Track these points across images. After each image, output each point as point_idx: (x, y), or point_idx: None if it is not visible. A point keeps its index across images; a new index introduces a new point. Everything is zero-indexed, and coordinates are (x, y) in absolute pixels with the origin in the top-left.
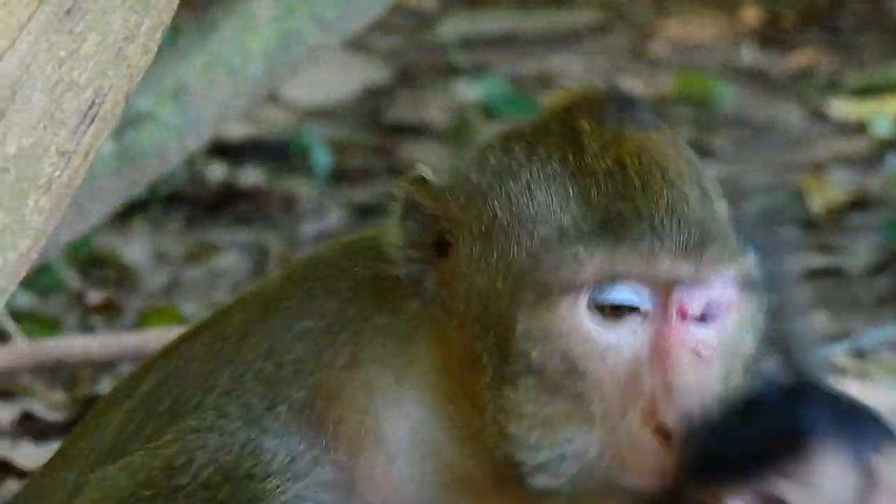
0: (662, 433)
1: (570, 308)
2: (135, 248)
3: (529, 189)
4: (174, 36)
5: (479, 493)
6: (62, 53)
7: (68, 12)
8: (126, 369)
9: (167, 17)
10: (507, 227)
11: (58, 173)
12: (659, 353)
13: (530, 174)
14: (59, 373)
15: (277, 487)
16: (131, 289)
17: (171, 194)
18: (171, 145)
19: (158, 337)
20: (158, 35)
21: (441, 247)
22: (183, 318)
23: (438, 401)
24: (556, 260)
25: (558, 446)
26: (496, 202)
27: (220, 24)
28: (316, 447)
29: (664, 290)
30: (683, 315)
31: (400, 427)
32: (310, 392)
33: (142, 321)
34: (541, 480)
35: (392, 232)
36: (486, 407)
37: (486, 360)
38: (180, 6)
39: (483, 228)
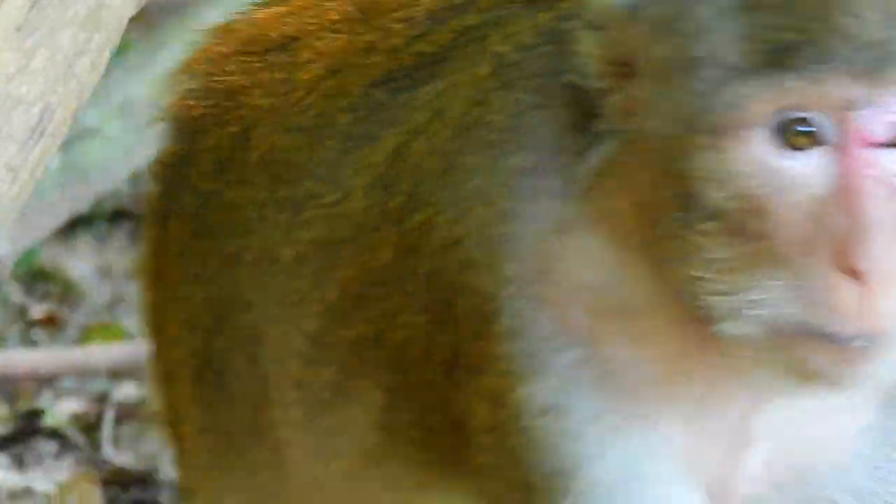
0: (855, 273)
1: (748, 145)
2: (79, 263)
3: (701, 24)
4: (123, 52)
5: (670, 350)
6: (11, 69)
7: (18, 29)
8: (69, 384)
9: (116, 35)
10: (680, 64)
11: (5, 188)
12: (845, 185)
13: (702, 8)
14: (1, 387)
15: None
16: (75, 303)
17: (115, 209)
18: (116, 161)
19: (101, 352)
20: (107, 52)
21: (625, 70)
22: (126, 333)
23: (624, 249)
24: (731, 96)
25: (747, 290)
26: (670, 37)
27: (168, 42)
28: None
29: (843, 115)
30: (867, 142)
31: (589, 277)
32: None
33: (85, 336)
34: (731, 328)
35: (583, 40)
36: (672, 254)
37: (669, 203)
38: (129, 23)
39: (659, 63)
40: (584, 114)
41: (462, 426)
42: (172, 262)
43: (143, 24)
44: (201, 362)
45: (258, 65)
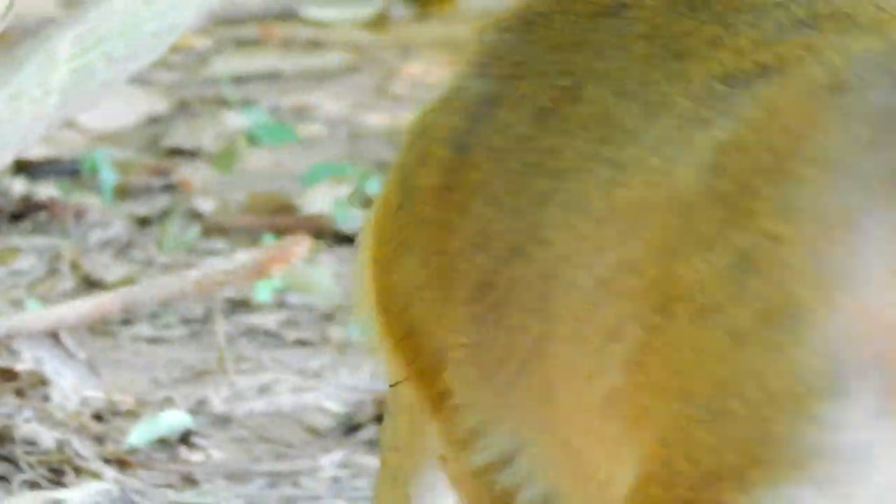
0: None
1: None
2: None
3: None
4: None
5: None
6: None
7: None
8: None
9: None
10: None
11: None
12: None
13: None
14: None
15: None
16: None
17: None
18: None
19: None
20: None
21: None
22: None
23: None
24: None
25: None
26: None
27: (25, 62)
28: None
29: None
30: None
31: None
32: None
33: None
34: None
35: None
36: None
37: None
38: None
39: None
40: None
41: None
42: (468, 185)
43: (1, 47)
44: (484, 283)
45: (587, 25)
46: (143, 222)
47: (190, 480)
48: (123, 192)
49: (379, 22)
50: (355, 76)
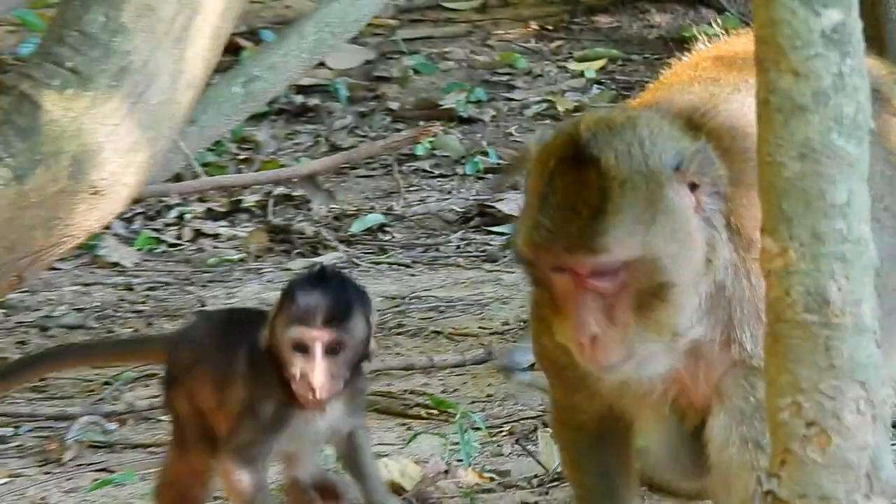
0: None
1: None
2: None
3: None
4: None
5: None
6: None
7: None
8: None
9: None
10: None
11: None
12: (572, 291)
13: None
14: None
15: None
16: None
17: None
18: None
19: None
20: None
21: None
22: None
23: None
24: None
25: None
26: None
27: (288, 36)
28: None
29: (562, 263)
30: (574, 272)
31: None
32: None
33: None
34: None
35: None
36: None
37: None
38: None
39: None
40: None
41: None
42: None
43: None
44: None
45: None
46: (362, 115)
47: (383, 250)
48: (351, 101)
49: (481, 8)
50: (469, 37)
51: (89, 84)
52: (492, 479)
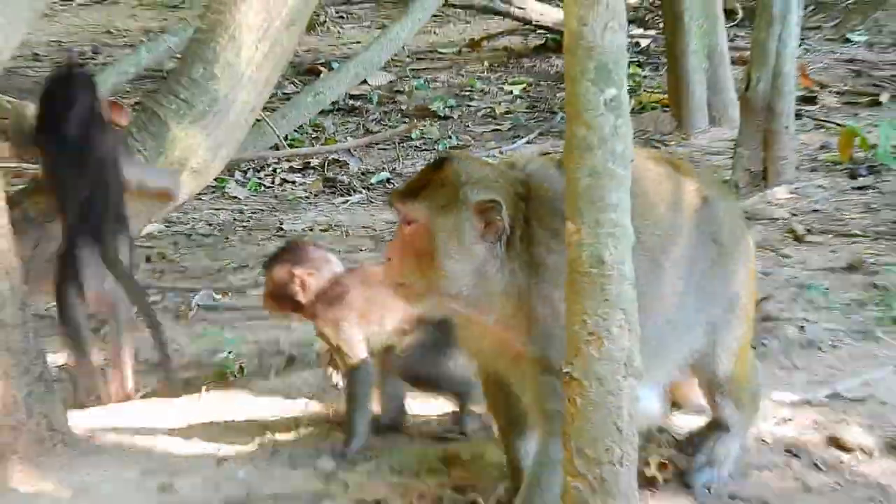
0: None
1: None
2: None
3: None
4: None
5: None
6: None
7: None
8: None
9: None
10: None
11: None
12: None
13: None
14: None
15: None
16: None
17: None
18: None
19: None
20: None
21: None
22: None
23: None
24: None
25: None
26: None
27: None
28: None
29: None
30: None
31: None
32: None
33: None
34: None
35: None
36: None
37: None
38: None
39: None
40: None
41: None
42: None
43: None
44: None
45: None
46: (385, 113)
47: (388, 194)
48: (379, 104)
49: (458, 53)
50: (449, 70)
51: (193, 108)
52: None
